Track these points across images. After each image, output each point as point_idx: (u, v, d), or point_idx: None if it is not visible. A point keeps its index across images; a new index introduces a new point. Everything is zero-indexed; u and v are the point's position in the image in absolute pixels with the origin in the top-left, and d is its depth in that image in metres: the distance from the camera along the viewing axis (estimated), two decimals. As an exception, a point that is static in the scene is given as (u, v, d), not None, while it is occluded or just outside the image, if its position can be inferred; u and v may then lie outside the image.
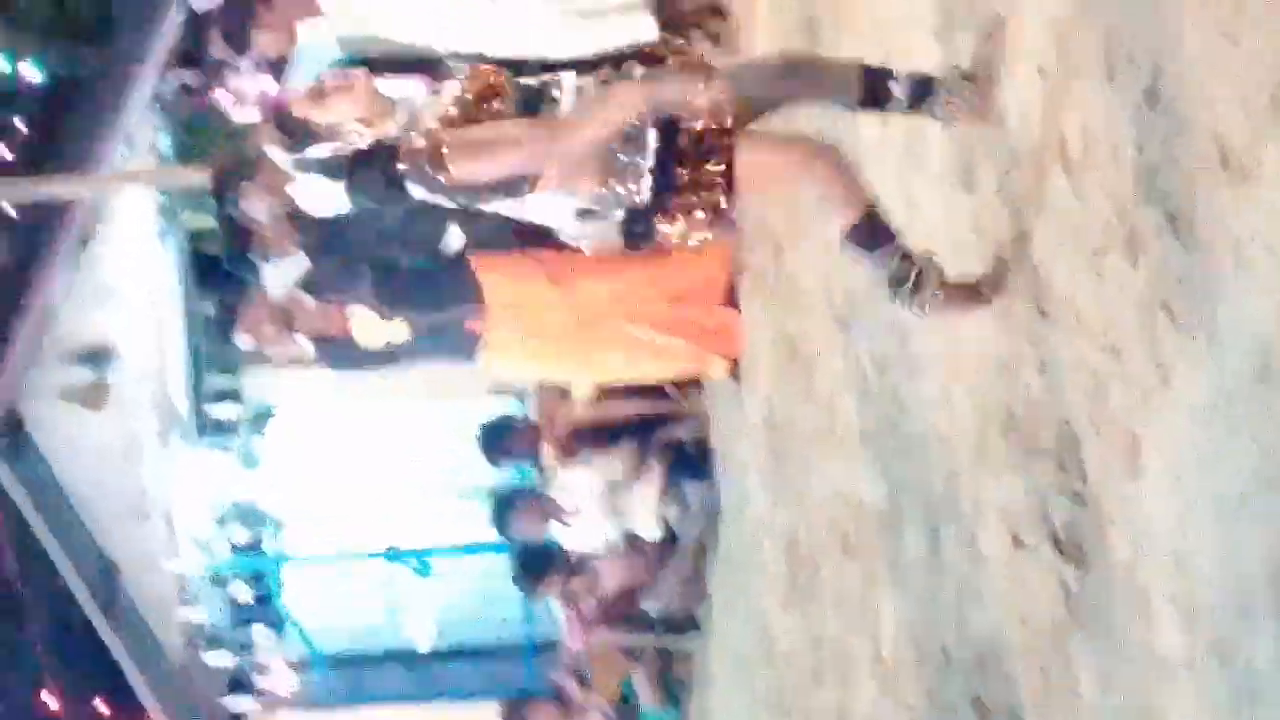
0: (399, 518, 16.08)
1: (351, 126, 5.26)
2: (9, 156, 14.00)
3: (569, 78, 5.28)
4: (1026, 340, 4.92)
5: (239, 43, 8.52)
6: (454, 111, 5.18)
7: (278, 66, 8.84)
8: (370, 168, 5.20)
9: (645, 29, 8.26)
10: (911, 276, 5.13)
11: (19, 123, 14.21)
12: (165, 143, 13.57)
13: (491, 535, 11.37)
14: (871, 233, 5.23)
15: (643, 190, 5.17)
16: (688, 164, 5.17)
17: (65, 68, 14.53)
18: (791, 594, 8.21)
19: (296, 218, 8.62)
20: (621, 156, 5.15)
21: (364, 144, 5.29)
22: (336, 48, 8.32)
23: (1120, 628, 4.28)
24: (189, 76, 12.52)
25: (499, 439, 10.76)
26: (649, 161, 5.15)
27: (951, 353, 5.62)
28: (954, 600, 5.69)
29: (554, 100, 5.23)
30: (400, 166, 5.09)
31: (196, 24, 10.09)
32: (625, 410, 10.32)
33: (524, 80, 5.27)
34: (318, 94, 5.26)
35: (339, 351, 8.77)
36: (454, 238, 8.83)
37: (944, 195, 5.64)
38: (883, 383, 6.51)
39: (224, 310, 12.60)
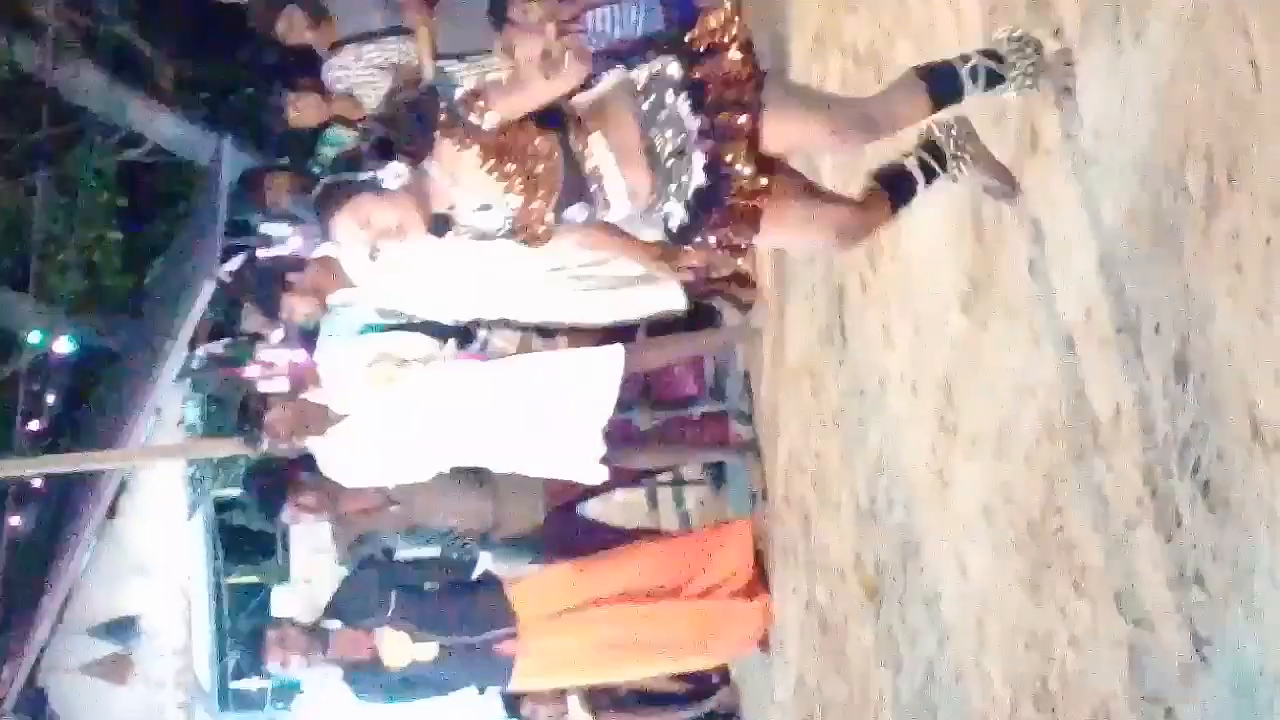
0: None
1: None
2: (39, 428, 14.09)
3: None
4: (1059, 613, 4.87)
5: (270, 309, 8.59)
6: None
7: (309, 339, 8.92)
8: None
9: (673, 298, 8.34)
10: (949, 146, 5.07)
11: (50, 395, 14.32)
12: (193, 414, 13.63)
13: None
14: (904, 181, 5.16)
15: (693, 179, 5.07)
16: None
17: (96, 341, 14.68)
18: None
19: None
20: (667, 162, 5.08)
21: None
22: (365, 318, 8.42)
23: None
24: (219, 348, 12.62)
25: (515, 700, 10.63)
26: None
27: (983, 624, 5.57)
28: None
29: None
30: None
31: (227, 296, 10.17)
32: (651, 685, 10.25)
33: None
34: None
35: (366, 678, 8.75)
36: (485, 562, 8.88)
37: (976, 463, 5.62)
38: (914, 654, 6.44)
39: (251, 638, 12.61)
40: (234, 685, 15.33)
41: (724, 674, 10.16)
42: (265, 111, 9.74)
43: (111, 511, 13.08)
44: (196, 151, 14.05)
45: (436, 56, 9.21)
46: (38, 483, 13.39)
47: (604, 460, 8.12)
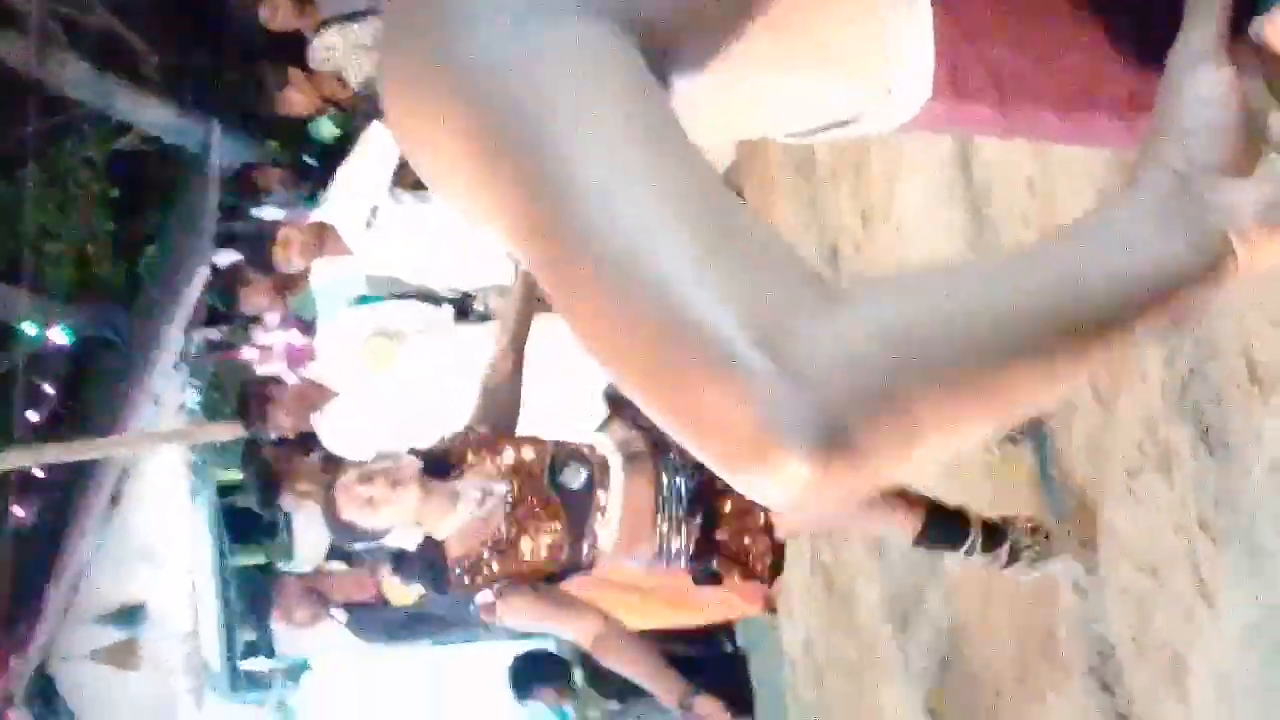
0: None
1: (402, 528, 5.31)
2: (39, 419, 14.11)
3: (616, 467, 5.35)
4: (1063, 564, 4.90)
5: (265, 266, 8.58)
6: (503, 527, 5.22)
7: (304, 321, 8.93)
8: (420, 566, 5.37)
9: None
10: (1005, 548, 5.03)
11: (47, 386, 14.35)
12: (193, 399, 13.67)
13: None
14: (942, 530, 5.15)
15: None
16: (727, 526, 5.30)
17: (91, 330, 14.70)
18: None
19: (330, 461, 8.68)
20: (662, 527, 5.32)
21: (411, 543, 5.34)
22: (359, 285, 8.44)
23: None
24: (216, 333, 12.64)
25: (531, 674, 10.62)
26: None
27: (987, 580, 5.60)
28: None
29: (601, 507, 5.29)
30: (450, 583, 5.24)
31: (222, 280, 10.18)
32: (659, 648, 10.24)
33: (568, 483, 5.32)
34: (367, 501, 5.25)
35: (372, 619, 8.75)
36: None
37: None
38: (920, 608, 6.48)
39: (256, 599, 12.64)
40: (243, 666, 15.37)
41: (732, 636, 10.18)
42: (253, 95, 9.72)
43: (114, 499, 13.12)
44: (186, 138, 14.04)
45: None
46: (40, 473, 13.41)
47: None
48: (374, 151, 8.41)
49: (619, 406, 8.40)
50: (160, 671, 13.89)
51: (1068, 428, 4.82)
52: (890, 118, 1.43)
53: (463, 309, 8.47)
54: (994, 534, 5.03)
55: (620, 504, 5.24)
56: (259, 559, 14.58)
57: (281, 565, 12.15)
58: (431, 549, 5.25)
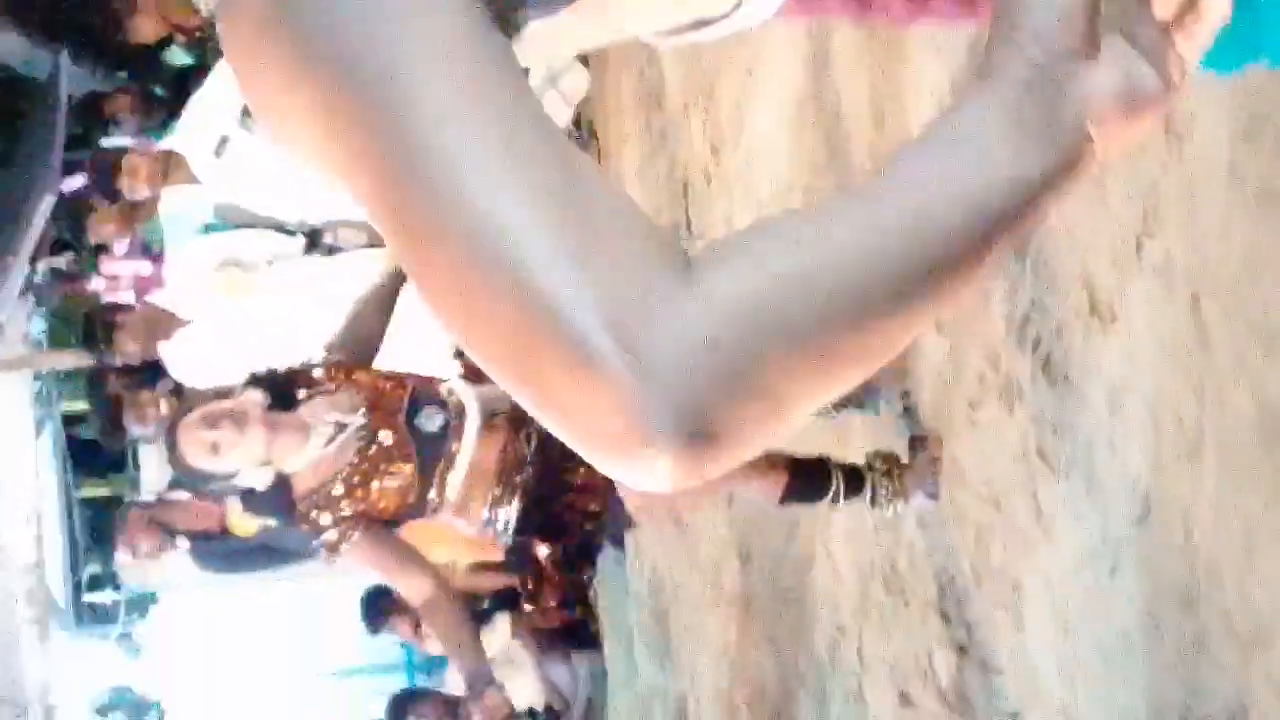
0: (282, 697, 15.92)
1: (250, 468, 5.14)
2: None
3: (473, 419, 5.23)
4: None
5: (110, 193, 8.48)
6: (355, 463, 5.12)
7: (151, 251, 8.84)
8: (268, 498, 5.23)
9: None
10: (866, 491, 4.99)
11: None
12: (39, 329, 13.48)
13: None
14: (806, 486, 5.09)
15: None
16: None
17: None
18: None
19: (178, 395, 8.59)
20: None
21: (262, 483, 5.17)
22: (208, 214, 8.37)
23: (1011, 777, 4.28)
24: (62, 262, 12.47)
25: (380, 606, 10.62)
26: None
27: (830, 510, 5.64)
28: (845, 759, 5.68)
29: (451, 456, 5.18)
30: (298, 517, 5.15)
31: (69, 209, 10.05)
32: (501, 581, 10.27)
33: (424, 426, 5.20)
34: (212, 446, 5.08)
35: (214, 549, 8.66)
36: None
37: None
38: (764, 544, 6.52)
39: (102, 531, 12.50)
40: (88, 599, 15.23)
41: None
42: (101, 22, 9.56)
43: (-44, 430, 12.93)
44: (33, 67, 13.81)
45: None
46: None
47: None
48: (226, 81, 8.32)
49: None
50: (4, 606, 13.73)
51: (914, 360, 4.86)
52: (755, 12, 1.43)
53: (312, 241, 8.41)
54: (854, 478, 5.02)
55: (469, 459, 5.16)
56: (105, 491, 14.44)
57: (127, 497, 12.05)
58: (280, 481, 5.15)
